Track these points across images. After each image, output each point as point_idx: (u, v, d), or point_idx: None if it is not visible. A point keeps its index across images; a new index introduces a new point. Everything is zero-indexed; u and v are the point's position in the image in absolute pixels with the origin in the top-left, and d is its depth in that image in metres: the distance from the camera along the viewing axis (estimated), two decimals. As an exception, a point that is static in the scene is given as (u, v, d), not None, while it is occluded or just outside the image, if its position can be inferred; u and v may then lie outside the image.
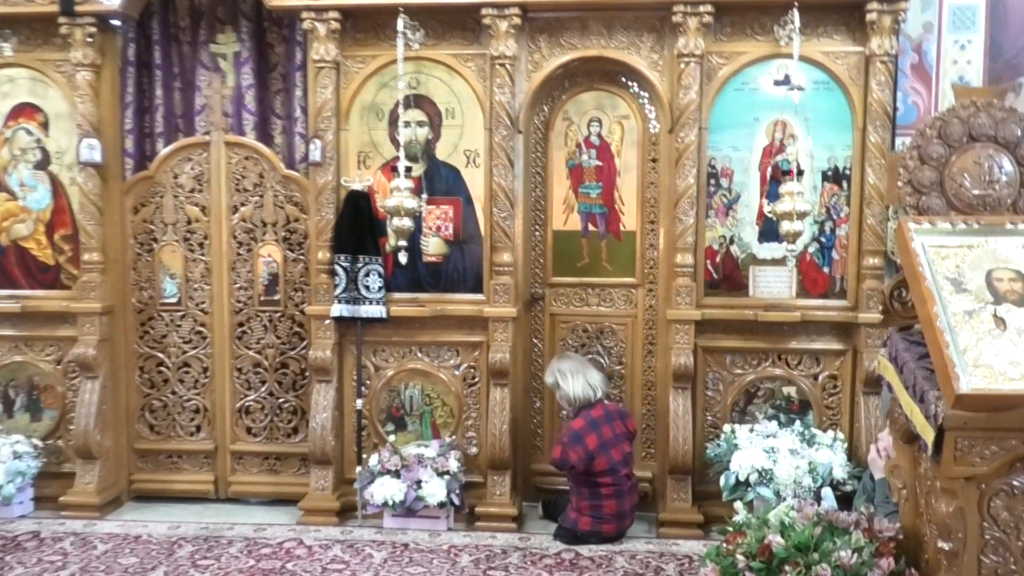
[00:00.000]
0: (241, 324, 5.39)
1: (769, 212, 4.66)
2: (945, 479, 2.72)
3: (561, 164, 5.28)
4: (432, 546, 4.74)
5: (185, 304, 5.41)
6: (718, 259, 4.99)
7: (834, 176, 4.89)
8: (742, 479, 4.63)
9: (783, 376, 5.01)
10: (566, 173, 5.28)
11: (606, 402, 4.97)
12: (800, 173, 4.64)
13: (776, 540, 3.11)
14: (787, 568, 3.03)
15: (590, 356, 5.31)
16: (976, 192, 3.11)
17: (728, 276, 5.00)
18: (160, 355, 5.44)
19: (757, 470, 4.60)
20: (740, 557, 3.17)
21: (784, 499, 4.40)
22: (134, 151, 5.41)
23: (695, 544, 4.71)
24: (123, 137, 5.37)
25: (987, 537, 2.72)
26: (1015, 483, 2.69)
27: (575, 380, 4.87)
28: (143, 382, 5.47)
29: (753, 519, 3.37)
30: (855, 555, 3.00)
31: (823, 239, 4.93)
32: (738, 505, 3.64)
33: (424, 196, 4.92)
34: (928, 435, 2.76)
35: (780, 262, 4.91)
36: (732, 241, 4.98)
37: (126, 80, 5.36)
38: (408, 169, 4.86)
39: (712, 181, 4.95)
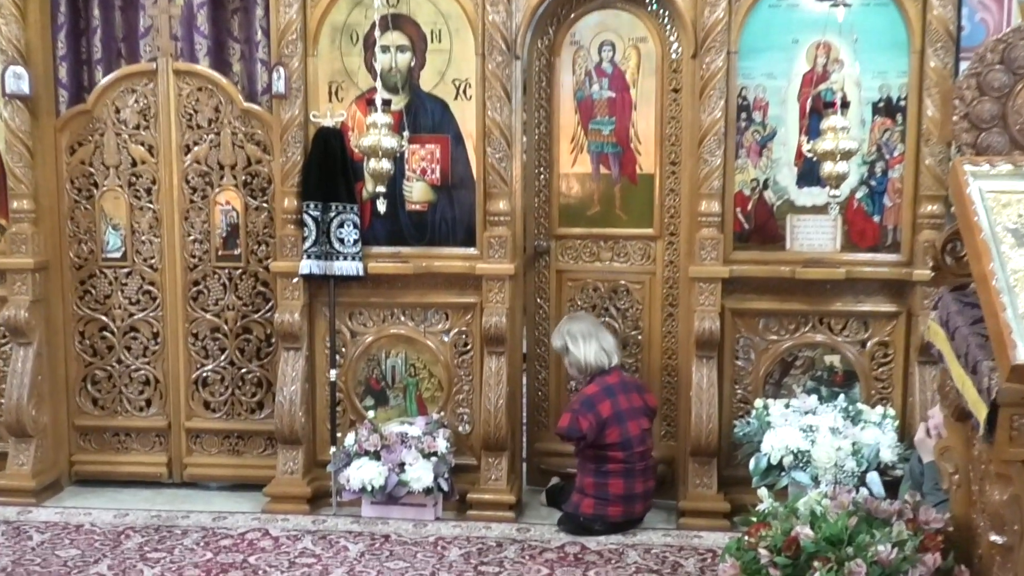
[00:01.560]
0: (196, 283, 5.41)
1: (809, 151, 4.60)
2: (999, 462, 2.72)
3: (569, 96, 5.26)
4: (417, 538, 4.79)
5: (131, 259, 5.43)
6: (749, 207, 4.97)
7: (886, 108, 4.85)
8: (775, 462, 4.64)
9: (825, 343, 5.02)
10: (574, 107, 5.26)
11: (622, 372, 5.02)
12: (846, 105, 4.57)
13: (804, 532, 3.13)
14: (816, 564, 3.06)
15: (603, 320, 5.32)
16: (1044, 128, 3.09)
17: (761, 226, 4.98)
18: (103, 318, 5.48)
19: (792, 452, 4.61)
20: (763, 551, 3.19)
21: (825, 486, 4.44)
22: (69, 81, 5.40)
23: (720, 536, 4.74)
24: (56, 65, 5.36)
25: (1047, 529, 2.73)
26: (1080, 468, 2.69)
27: (587, 344, 4.92)
28: (84, 349, 5.52)
29: (780, 508, 3.39)
30: (895, 550, 3.02)
31: (873, 182, 4.91)
32: (763, 492, 3.65)
33: (406, 134, 4.85)
34: (980, 412, 2.76)
35: (822, 210, 4.88)
36: (766, 185, 4.96)
37: (58, -2, 5.34)
38: (387, 102, 4.81)
39: (743, 115, 4.91)
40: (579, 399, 4.89)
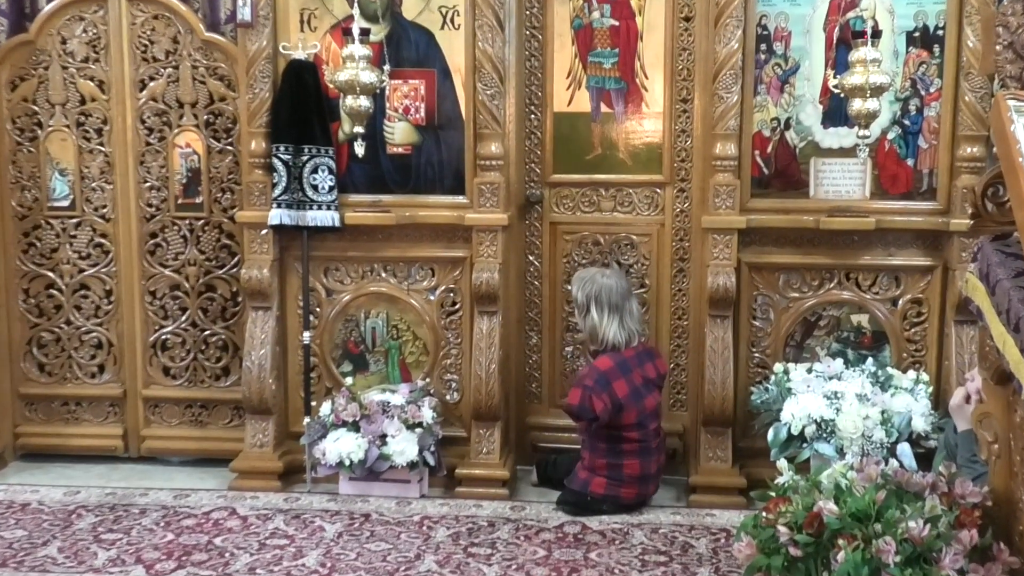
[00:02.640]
0: (154, 235, 5.41)
1: (836, 87, 4.62)
2: (1043, 430, 2.74)
3: (565, 24, 5.23)
4: (400, 517, 4.81)
5: (80, 208, 5.41)
6: (769, 149, 4.97)
7: (923, 39, 4.83)
8: (796, 432, 4.67)
9: (852, 301, 5.03)
10: (571, 37, 5.23)
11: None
12: (877, 35, 4.58)
13: (828, 507, 3.14)
14: (840, 542, 3.07)
15: (605, 277, 5.32)
16: (1099, 58, 3.07)
17: (782, 171, 4.98)
18: (50, 274, 5.47)
19: (815, 421, 4.64)
20: (782, 528, 3.20)
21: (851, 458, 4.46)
22: (8, 8, 5.38)
23: (734, 514, 4.77)
24: (-7, -10, 5.34)
25: (1094, 503, 2.74)
26: None
27: (611, 321, 4.88)
28: (29, 309, 5.51)
29: (801, 481, 3.40)
30: (928, 526, 3.02)
31: (906, 122, 4.90)
32: (782, 464, 3.66)
33: (387, 68, 4.88)
34: (1023, 373, 2.76)
35: (850, 152, 4.87)
36: (788, 125, 4.95)
37: (-6, -86, 5.30)
38: (365, 32, 4.80)
39: (763, 46, 4.90)
40: (592, 374, 4.83)
